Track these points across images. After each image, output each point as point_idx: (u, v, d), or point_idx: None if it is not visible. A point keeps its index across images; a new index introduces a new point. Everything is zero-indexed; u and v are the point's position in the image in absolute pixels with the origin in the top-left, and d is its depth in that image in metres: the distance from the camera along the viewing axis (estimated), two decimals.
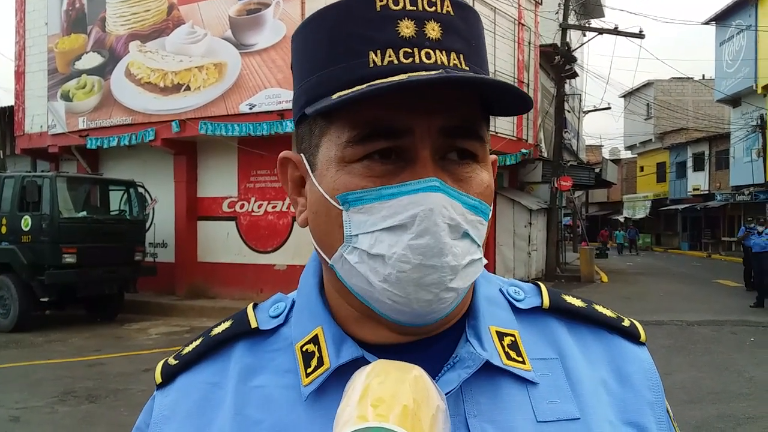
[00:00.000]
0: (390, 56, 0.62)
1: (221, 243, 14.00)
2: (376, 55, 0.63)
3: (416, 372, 0.62)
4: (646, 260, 32.34)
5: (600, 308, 0.79)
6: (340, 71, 0.64)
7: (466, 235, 0.64)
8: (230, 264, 13.79)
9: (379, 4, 0.63)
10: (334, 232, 0.66)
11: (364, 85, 0.61)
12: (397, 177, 0.63)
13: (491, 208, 0.69)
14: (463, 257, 0.64)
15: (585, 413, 0.68)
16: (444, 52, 0.63)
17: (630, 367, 0.74)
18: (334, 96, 0.62)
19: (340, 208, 0.65)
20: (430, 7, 0.64)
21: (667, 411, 0.76)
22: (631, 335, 0.77)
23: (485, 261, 0.69)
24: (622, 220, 46.90)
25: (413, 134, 0.63)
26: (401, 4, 0.63)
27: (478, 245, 0.66)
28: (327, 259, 0.68)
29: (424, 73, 0.61)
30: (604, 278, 20.67)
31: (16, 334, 10.54)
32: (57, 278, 10.78)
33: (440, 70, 0.61)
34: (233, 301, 13.17)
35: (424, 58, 0.62)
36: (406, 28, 0.63)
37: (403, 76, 0.60)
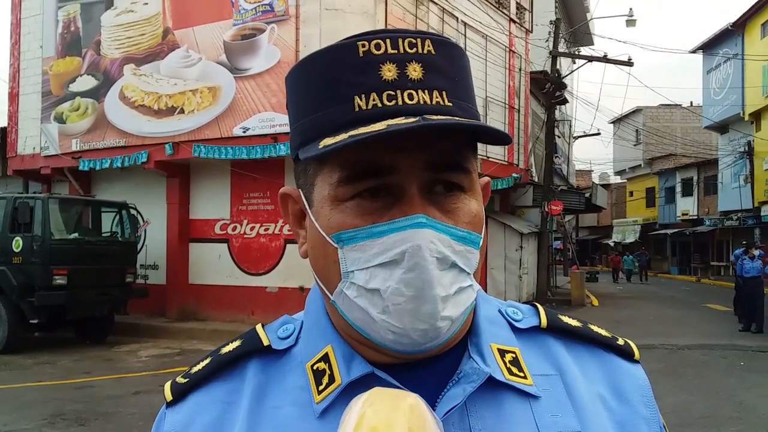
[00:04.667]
0: (374, 100, 0.66)
1: (213, 265, 13.96)
2: (361, 100, 0.66)
3: (411, 400, 0.62)
4: (636, 284, 32.38)
5: (595, 328, 0.82)
6: (329, 115, 0.67)
7: (454, 265, 0.67)
8: (222, 286, 13.74)
9: (361, 50, 0.66)
10: (331, 267, 0.69)
11: (347, 135, 0.64)
12: (387, 213, 0.66)
13: (482, 235, 0.71)
14: (450, 287, 0.66)
15: (585, 426, 0.71)
16: (426, 92, 0.66)
17: (626, 384, 0.77)
18: (321, 144, 0.65)
19: (336, 246, 0.68)
20: (411, 49, 0.67)
21: (664, 427, 0.78)
22: (625, 353, 0.80)
23: (477, 287, 0.71)
24: (612, 244, 47.04)
25: (399, 172, 0.66)
26: (383, 49, 0.66)
27: (468, 273, 0.69)
28: (329, 295, 0.71)
29: (403, 120, 0.64)
30: (595, 302, 20.69)
31: (5, 356, 10.42)
32: (47, 300, 10.69)
33: (418, 118, 0.64)
34: (224, 323, 13.10)
35: (406, 99, 0.65)
36: (389, 71, 0.66)
37: (382, 125, 0.63)
